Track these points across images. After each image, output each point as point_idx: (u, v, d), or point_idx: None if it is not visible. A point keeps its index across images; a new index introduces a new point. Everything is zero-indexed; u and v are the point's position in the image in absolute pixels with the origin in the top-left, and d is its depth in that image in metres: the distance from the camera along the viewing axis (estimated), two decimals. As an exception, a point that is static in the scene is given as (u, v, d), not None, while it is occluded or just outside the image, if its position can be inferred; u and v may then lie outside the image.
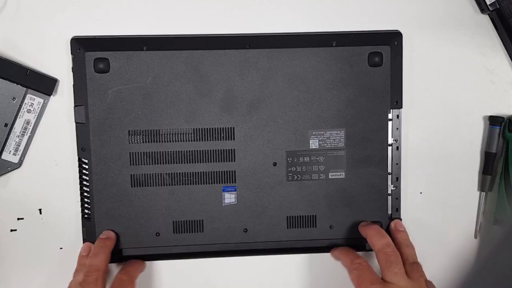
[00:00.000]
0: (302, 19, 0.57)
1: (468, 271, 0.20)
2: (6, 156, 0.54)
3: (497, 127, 0.58)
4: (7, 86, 0.53)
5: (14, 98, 0.54)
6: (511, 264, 0.18)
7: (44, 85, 0.54)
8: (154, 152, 0.55)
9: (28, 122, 0.54)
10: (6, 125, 0.54)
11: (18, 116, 0.54)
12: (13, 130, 0.54)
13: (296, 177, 0.56)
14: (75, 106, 0.54)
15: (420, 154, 0.59)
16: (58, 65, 0.55)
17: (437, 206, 0.59)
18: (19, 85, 0.53)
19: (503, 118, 0.58)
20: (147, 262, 0.57)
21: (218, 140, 0.55)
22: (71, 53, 0.54)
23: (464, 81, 0.59)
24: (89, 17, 0.55)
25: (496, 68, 0.59)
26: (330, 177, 0.57)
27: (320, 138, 0.56)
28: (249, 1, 0.56)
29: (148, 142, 0.55)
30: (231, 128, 0.55)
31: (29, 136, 0.55)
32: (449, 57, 0.58)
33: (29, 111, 0.54)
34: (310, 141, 0.56)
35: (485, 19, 0.58)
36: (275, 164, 0.56)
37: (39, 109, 0.54)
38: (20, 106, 0.54)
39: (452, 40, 0.58)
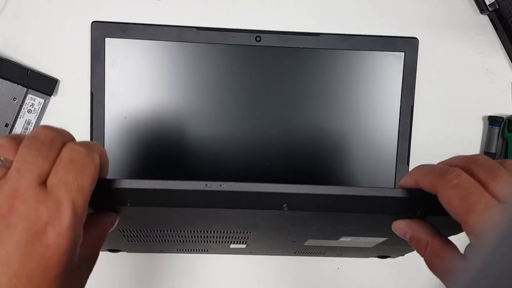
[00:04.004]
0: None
1: (468, 271, 0.20)
2: (6, 156, 0.54)
3: (496, 127, 0.58)
4: (7, 86, 0.53)
5: (14, 98, 0.54)
6: (510, 264, 0.18)
7: (45, 85, 0.54)
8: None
9: (28, 122, 0.55)
10: (7, 125, 0.54)
11: (19, 116, 0.54)
12: (13, 130, 0.54)
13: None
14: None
15: (419, 154, 0.59)
16: (59, 65, 0.55)
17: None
18: (19, 85, 0.53)
19: (503, 118, 0.58)
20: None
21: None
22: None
23: (463, 81, 0.59)
24: (89, 18, 0.55)
25: (495, 68, 0.59)
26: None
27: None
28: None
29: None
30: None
31: (30, 136, 0.55)
32: (448, 57, 0.59)
33: (29, 111, 0.54)
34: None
35: (485, 19, 0.59)
36: None
37: (40, 109, 0.55)
38: (21, 106, 0.54)
39: (451, 41, 0.59)
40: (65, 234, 0.26)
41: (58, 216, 0.25)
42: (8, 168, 0.26)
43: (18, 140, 0.27)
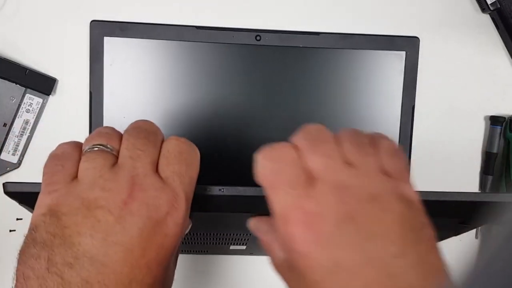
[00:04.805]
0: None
1: (469, 272, 0.20)
2: (5, 156, 0.54)
3: (498, 127, 0.58)
4: (6, 85, 0.53)
5: (13, 98, 0.53)
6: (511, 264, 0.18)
7: (43, 85, 0.54)
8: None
9: (27, 122, 0.54)
10: (5, 125, 0.54)
11: (17, 116, 0.54)
12: (12, 130, 0.54)
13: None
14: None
15: (420, 154, 0.58)
16: (57, 64, 0.55)
17: (438, 206, 0.59)
18: (18, 85, 0.53)
19: (504, 118, 0.58)
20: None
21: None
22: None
23: (465, 81, 0.59)
24: (88, 17, 0.55)
25: (497, 67, 0.59)
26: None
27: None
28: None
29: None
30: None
31: (28, 136, 0.54)
32: (449, 56, 0.58)
33: (28, 111, 0.54)
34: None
35: (486, 18, 0.58)
36: None
37: (38, 109, 0.54)
38: (19, 106, 0.54)
39: (452, 40, 0.58)
40: (181, 224, 0.26)
41: (176, 206, 0.25)
42: (115, 155, 0.26)
43: (118, 131, 0.28)
